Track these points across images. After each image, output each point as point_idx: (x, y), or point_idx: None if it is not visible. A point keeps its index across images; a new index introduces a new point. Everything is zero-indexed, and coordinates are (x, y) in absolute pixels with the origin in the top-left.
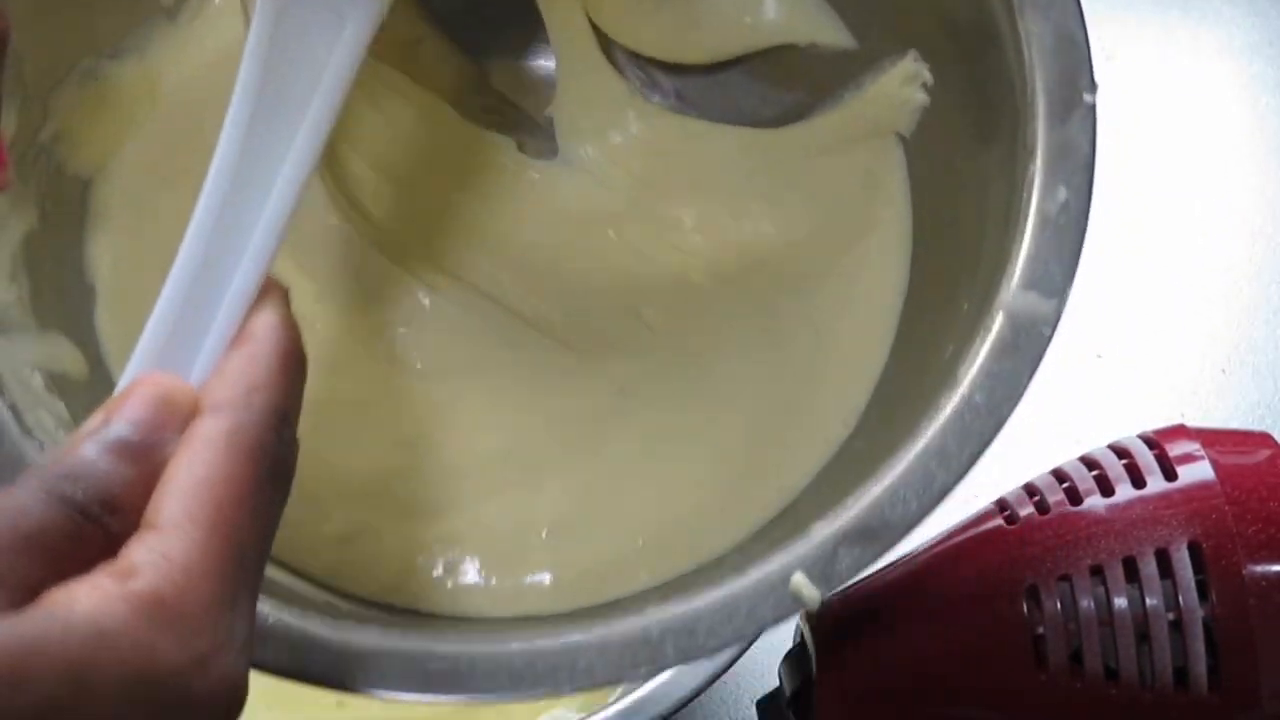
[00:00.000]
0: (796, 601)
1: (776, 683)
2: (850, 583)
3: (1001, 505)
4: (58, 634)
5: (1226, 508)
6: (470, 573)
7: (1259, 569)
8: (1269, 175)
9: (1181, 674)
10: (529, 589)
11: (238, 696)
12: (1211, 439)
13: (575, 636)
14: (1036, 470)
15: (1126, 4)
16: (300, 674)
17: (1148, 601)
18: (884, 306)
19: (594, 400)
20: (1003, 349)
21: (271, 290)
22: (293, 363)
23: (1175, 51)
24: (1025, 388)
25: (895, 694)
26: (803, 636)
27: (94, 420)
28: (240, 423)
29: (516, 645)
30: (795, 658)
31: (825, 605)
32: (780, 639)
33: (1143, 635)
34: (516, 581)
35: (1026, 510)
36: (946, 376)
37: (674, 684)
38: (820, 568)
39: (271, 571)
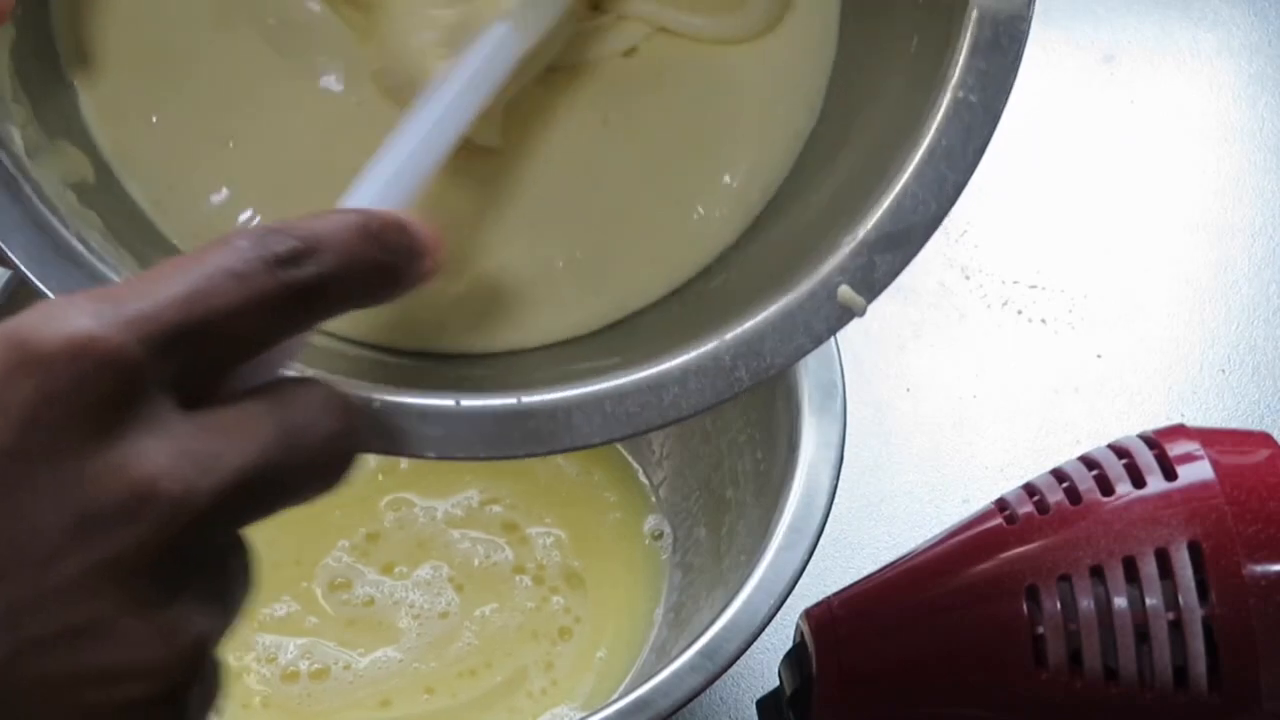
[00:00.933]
0: (847, 311)
1: (776, 683)
2: (850, 582)
3: (1001, 505)
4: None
5: (1226, 507)
6: (505, 307)
7: (1259, 569)
8: (1269, 175)
9: (1181, 674)
10: (552, 316)
11: (84, 348)
12: (1211, 439)
13: (653, 371)
14: (1036, 470)
15: (1126, 4)
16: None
17: (1147, 601)
18: None
19: (583, 134)
20: (984, 46)
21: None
22: (363, 221)
23: (1175, 51)
24: (1012, 85)
25: (895, 693)
26: (803, 636)
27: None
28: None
29: (601, 387)
30: (795, 658)
31: (825, 605)
32: (780, 639)
33: (1142, 635)
34: (541, 311)
35: (1026, 510)
36: (926, 74)
37: (674, 684)
38: (861, 276)
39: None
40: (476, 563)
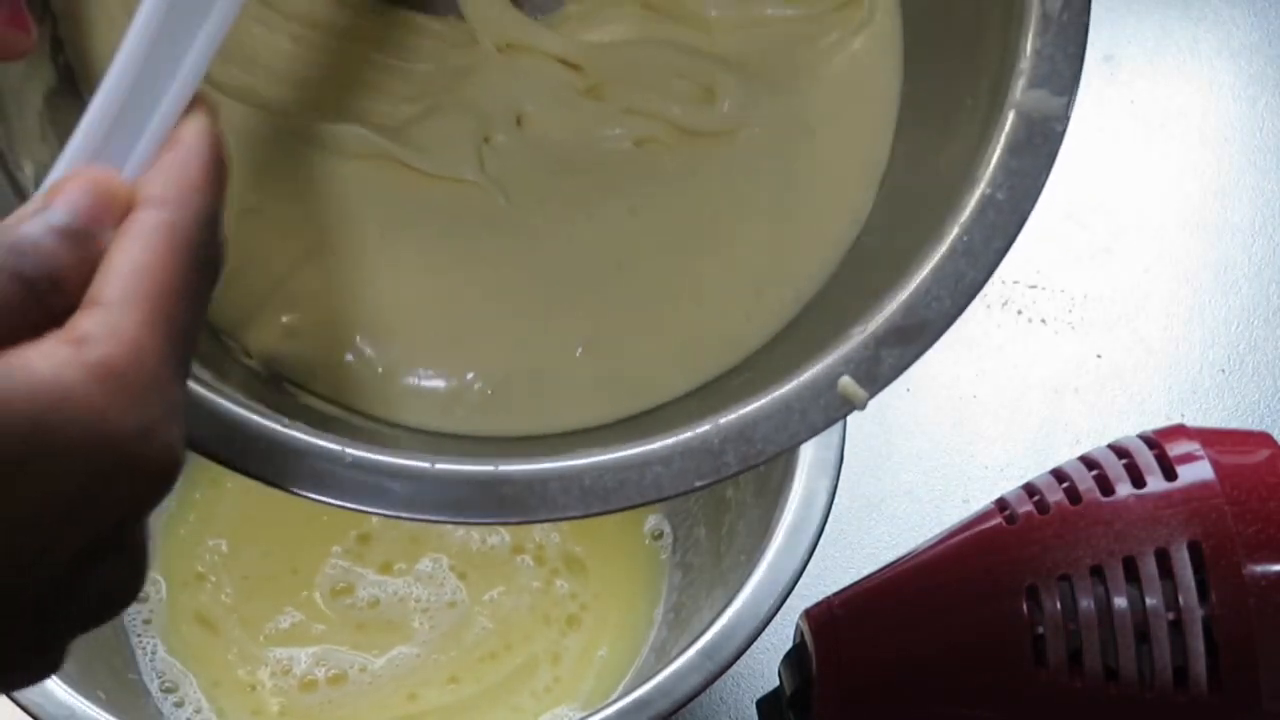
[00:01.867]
0: (846, 404)
1: (776, 683)
2: (850, 582)
3: (1001, 505)
4: (22, 390)
5: (1226, 508)
6: (510, 391)
7: (1259, 569)
8: (1269, 175)
9: (1181, 674)
10: (567, 403)
11: (176, 463)
12: (1211, 439)
13: (639, 449)
14: (1036, 470)
15: (1126, 4)
16: (417, 508)
17: (1147, 601)
18: (879, 101)
19: (608, 223)
20: (1018, 146)
21: (201, 103)
22: (221, 169)
23: (1175, 51)
24: (1044, 184)
25: (895, 693)
26: (803, 636)
27: (32, 204)
28: (177, 218)
29: (582, 461)
30: (795, 658)
31: (825, 605)
32: (780, 639)
33: (1142, 635)
34: (555, 397)
35: (1026, 510)
36: (960, 175)
37: (674, 684)
38: (865, 369)
39: (319, 404)
40: (474, 548)
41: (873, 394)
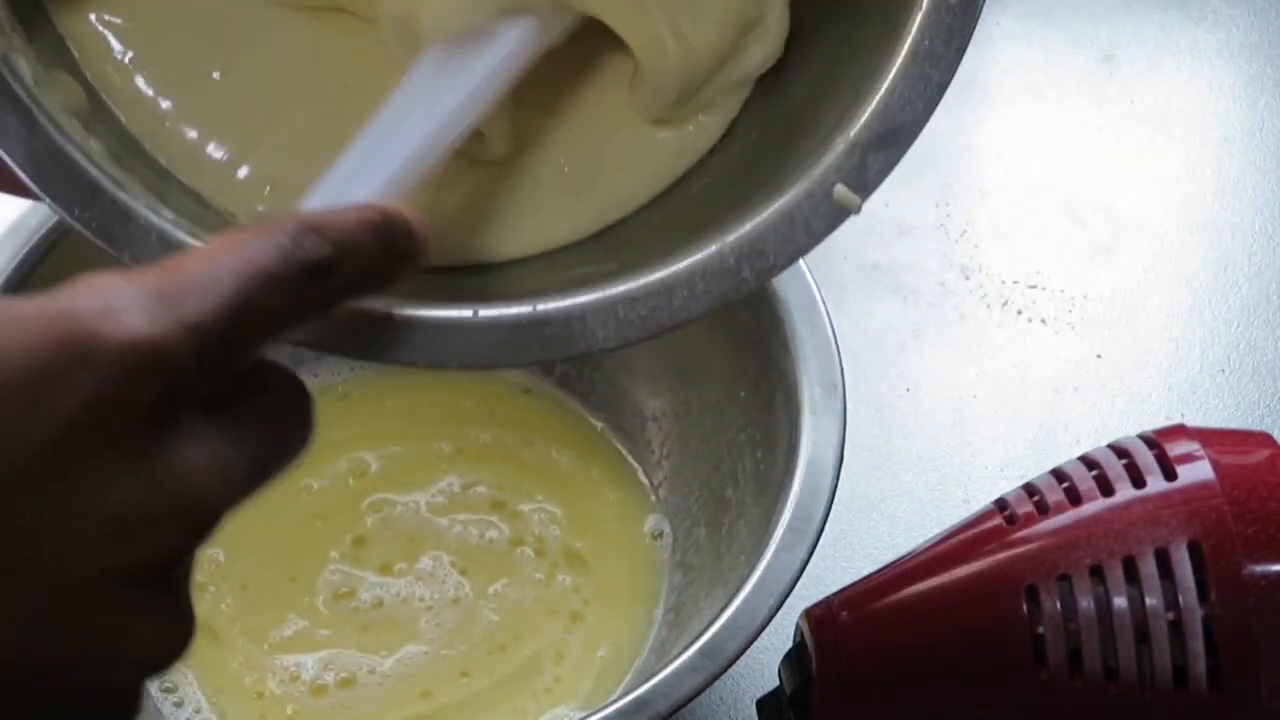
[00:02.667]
0: (843, 210)
1: (776, 683)
2: (850, 582)
3: (1001, 505)
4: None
5: (1226, 508)
6: (497, 218)
7: (1259, 569)
8: (1269, 175)
9: (1181, 674)
10: (548, 218)
11: (145, 348)
12: (1211, 439)
13: (661, 275)
14: (1036, 470)
15: (1126, 4)
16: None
17: (1147, 601)
18: None
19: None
20: None
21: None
22: (369, 222)
23: (1175, 51)
24: None
25: (895, 693)
26: (803, 636)
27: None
28: (271, 222)
29: (612, 292)
30: (795, 658)
31: (825, 605)
32: (780, 639)
33: (1142, 635)
34: (538, 214)
35: (1026, 510)
36: None
37: (674, 684)
38: (854, 175)
39: None
40: (473, 543)
41: (864, 198)
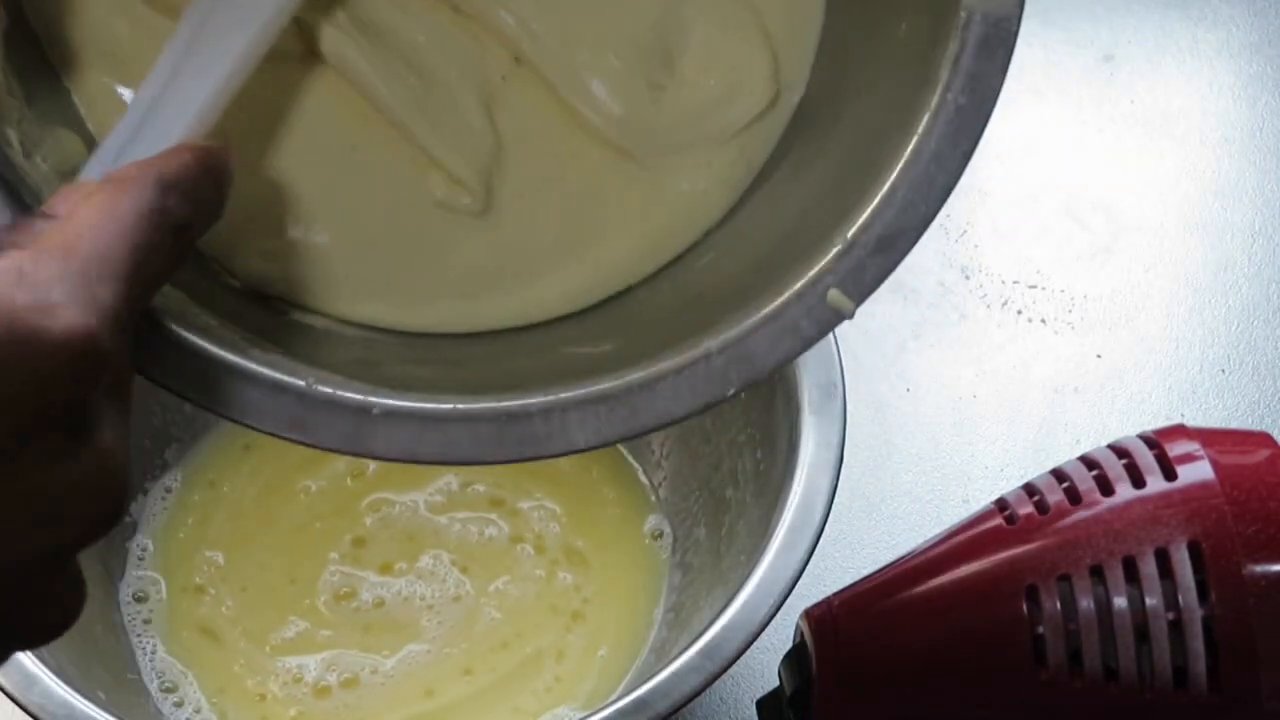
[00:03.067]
0: (836, 315)
1: (776, 683)
2: (850, 582)
3: (1001, 505)
4: None
5: (1226, 508)
6: (494, 283)
7: (1259, 569)
8: (1269, 175)
9: (1181, 674)
10: (534, 289)
11: (85, 344)
12: (1211, 439)
13: (645, 373)
14: (1036, 470)
15: (1126, 4)
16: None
17: (1147, 601)
18: None
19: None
20: (975, 48)
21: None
22: (205, 163)
23: (1175, 51)
24: (1001, 86)
25: (895, 693)
26: (803, 636)
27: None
28: (124, 180)
29: (597, 388)
30: (795, 658)
31: (825, 605)
32: (780, 639)
33: (1142, 635)
34: (537, 279)
35: (1026, 510)
36: (914, 71)
37: (674, 684)
38: (851, 278)
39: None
40: (473, 541)
41: (859, 303)
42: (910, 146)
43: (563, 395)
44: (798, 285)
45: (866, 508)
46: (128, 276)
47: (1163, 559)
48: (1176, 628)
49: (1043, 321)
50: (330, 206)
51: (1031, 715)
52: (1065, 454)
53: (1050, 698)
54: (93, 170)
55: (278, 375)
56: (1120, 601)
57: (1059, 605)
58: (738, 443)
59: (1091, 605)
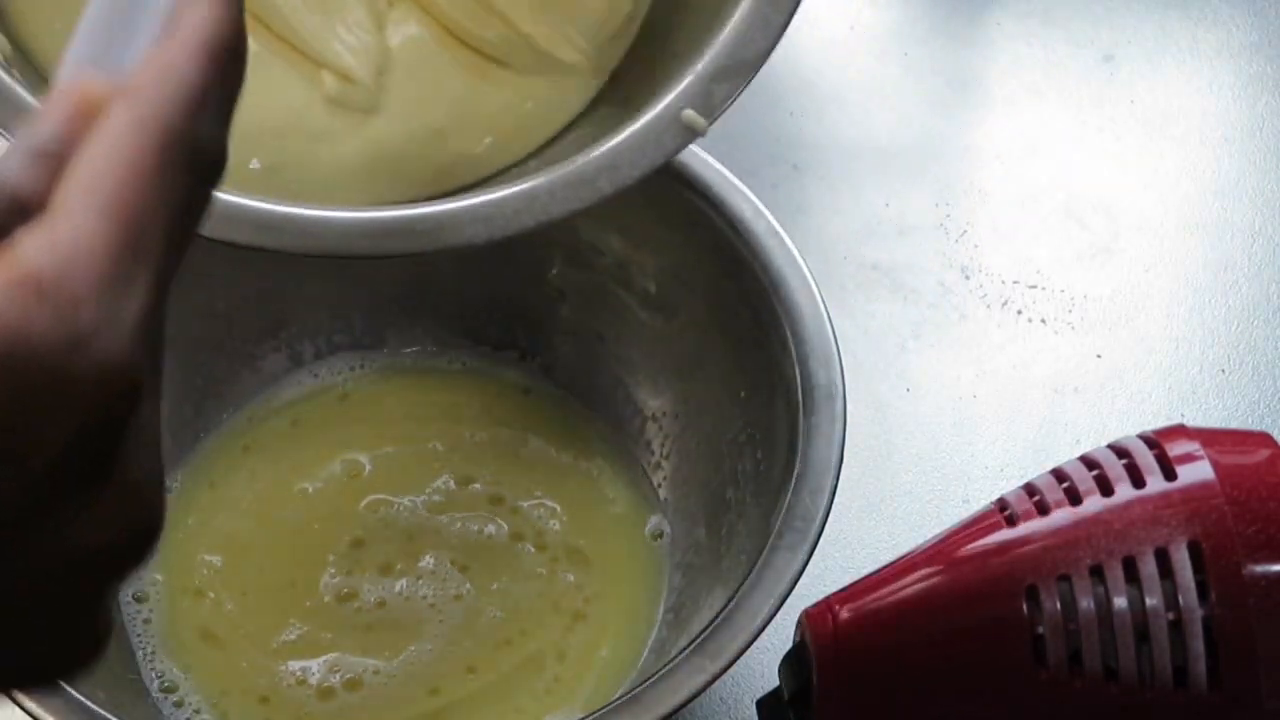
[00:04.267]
0: (691, 131)
1: (776, 683)
2: (850, 582)
3: (1001, 505)
4: None
5: (1226, 508)
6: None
7: (1259, 569)
8: (1269, 175)
9: (1181, 674)
10: (419, 177)
11: (123, 379)
12: (1211, 439)
13: (526, 185)
14: (1036, 470)
15: (1126, 4)
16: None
17: (1147, 601)
18: None
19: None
20: None
21: None
22: (218, 49)
23: (1175, 51)
24: None
25: (895, 693)
26: (803, 636)
27: (19, 134)
28: (146, 105)
29: (486, 198)
30: (795, 658)
31: (825, 605)
32: (780, 639)
33: (1142, 635)
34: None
35: (1026, 510)
36: None
37: (674, 684)
38: (701, 102)
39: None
40: (473, 540)
41: (710, 121)
42: None
43: (457, 204)
44: (656, 110)
45: (866, 508)
46: (160, 259)
47: (1163, 559)
48: (1176, 628)
49: (1043, 321)
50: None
51: (1031, 715)
52: (1065, 454)
53: (1050, 698)
54: (77, 54)
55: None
56: (1120, 601)
57: (1059, 605)
58: (738, 443)
59: (1091, 605)
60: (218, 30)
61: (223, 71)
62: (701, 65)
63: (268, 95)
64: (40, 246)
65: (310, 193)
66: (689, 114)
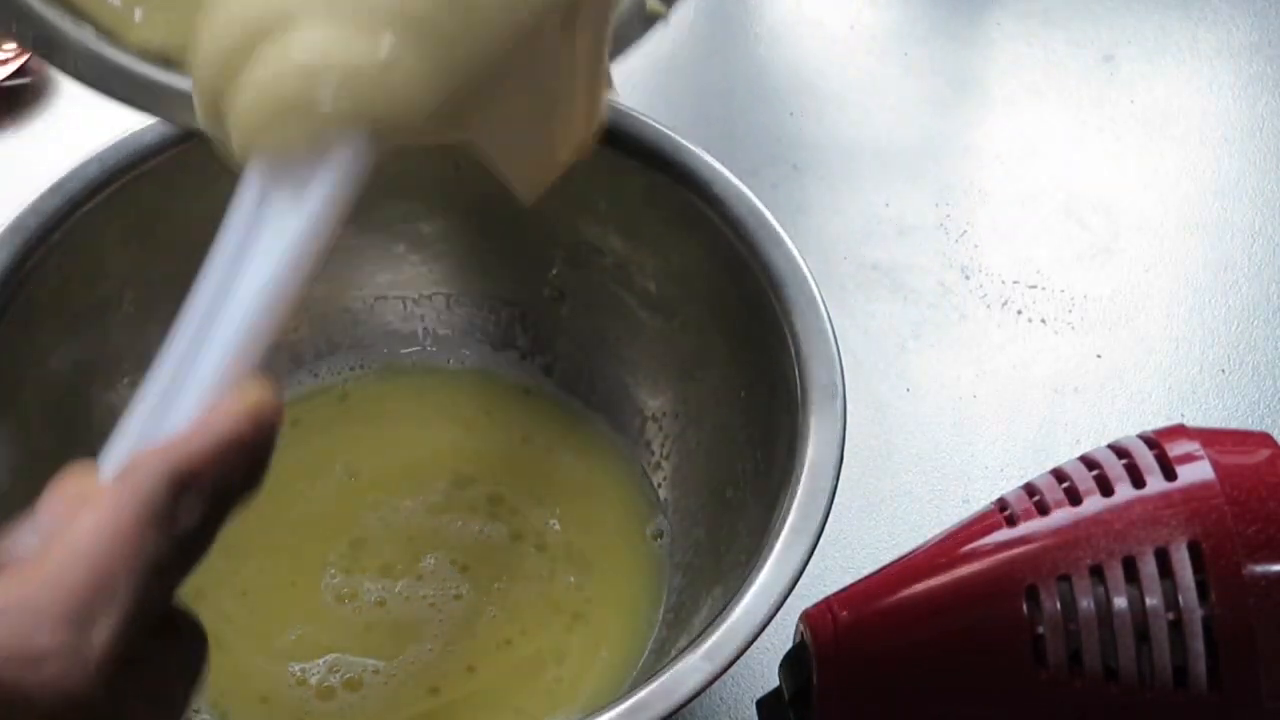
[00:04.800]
0: (654, 18)
1: (776, 683)
2: (850, 582)
3: (1001, 505)
4: None
5: (1226, 508)
6: None
7: (1259, 569)
8: (1269, 175)
9: (1181, 674)
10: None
11: (78, 707)
12: (1211, 439)
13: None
14: (1036, 470)
15: (1126, 4)
16: None
17: (1147, 601)
18: None
19: None
20: None
21: (256, 382)
22: (230, 442)
23: (1175, 51)
24: None
25: (895, 693)
26: (803, 636)
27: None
28: (131, 481)
29: None
30: (795, 658)
31: (825, 605)
32: (780, 639)
33: (1142, 635)
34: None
35: (1026, 510)
36: None
37: (674, 684)
38: None
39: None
40: (472, 541)
41: (670, 8)
42: None
43: None
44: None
45: (866, 508)
46: (128, 605)
47: (1163, 559)
48: (1176, 628)
49: (1043, 321)
50: None
51: (1031, 715)
52: (1065, 454)
53: (1050, 698)
54: (109, 459)
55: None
56: (1120, 601)
57: (1059, 605)
58: (738, 443)
59: (1091, 605)
60: (236, 422)
61: (229, 465)
62: None
63: None
64: (8, 581)
65: None
66: (653, 3)
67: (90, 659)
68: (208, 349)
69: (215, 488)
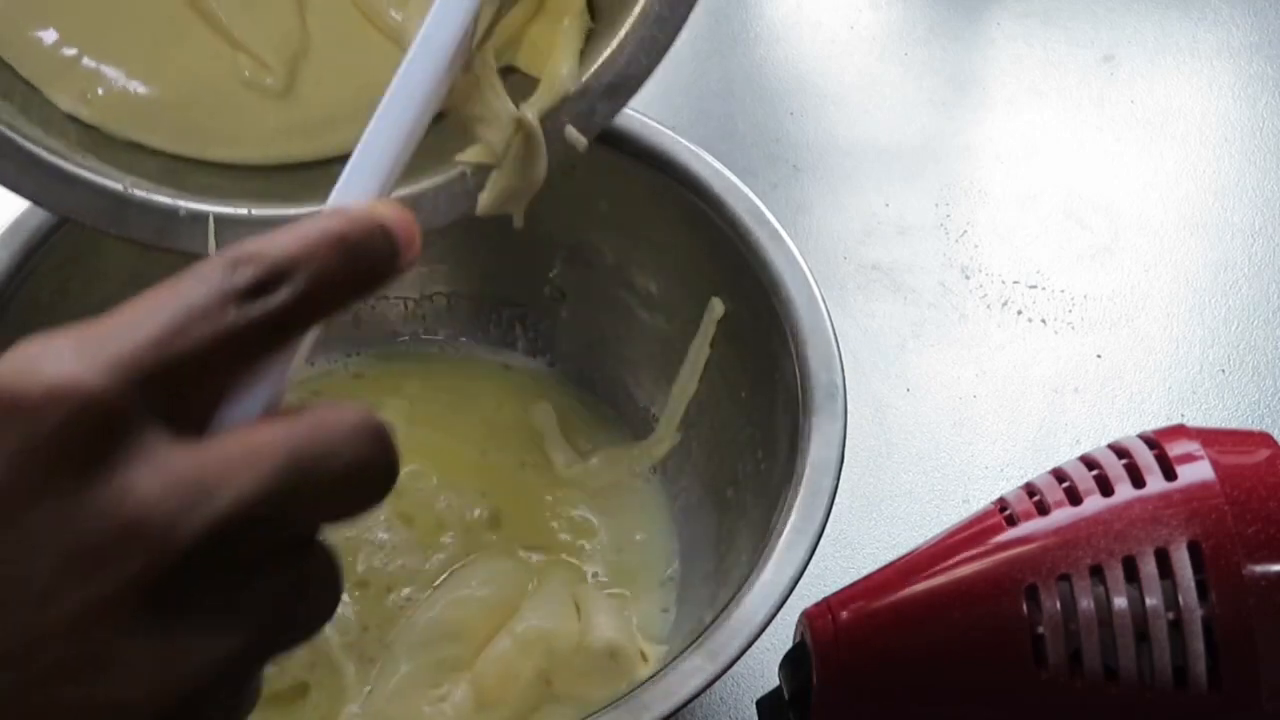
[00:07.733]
0: (571, 148)
1: (776, 683)
2: (850, 582)
3: (1001, 505)
4: None
5: (1226, 508)
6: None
7: (1259, 569)
8: (1269, 175)
9: (1181, 674)
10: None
11: (64, 392)
12: (1211, 439)
13: (413, 188)
14: (1036, 470)
15: (1126, 4)
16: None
17: (1147, 601)
18: None
19: None
20: None
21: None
22: (321, 233)
23: (1175, 51)
24: None
25: (895, 693)
26: (803, 636)
27: None
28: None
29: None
30: (795, 658)
31: (825, 605)
32: (780, 639)
33: (1142, 635)
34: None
35: (1026, 510)
36: None
37: (674, 684)
38: (583, 120)
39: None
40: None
41: (589, 138)
42: (635, 11)
43: (223, 209)
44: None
45: (866, 508)
46: (155, 335)
47: (1163, 559)
48: (1176, 628)
49: (1043, 321)
50: (154, 69)
51: (1031, 715)
52: (1065, 454)
53: (1050, 698)
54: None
55: (99, 179)
56: (1120, 601)
57: (1059, 605)
58: (738, 443)
59: (1091, 605)
60: (328, 223)
61: (319, 256)
62: (586, 79)
63: (190, 61)
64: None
65: (218, 140)
66: (571, 132)
67: (98, 358)
68: (375, 153)
69: (279, 267)
